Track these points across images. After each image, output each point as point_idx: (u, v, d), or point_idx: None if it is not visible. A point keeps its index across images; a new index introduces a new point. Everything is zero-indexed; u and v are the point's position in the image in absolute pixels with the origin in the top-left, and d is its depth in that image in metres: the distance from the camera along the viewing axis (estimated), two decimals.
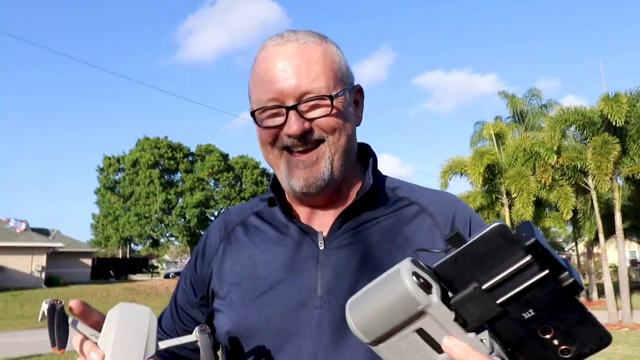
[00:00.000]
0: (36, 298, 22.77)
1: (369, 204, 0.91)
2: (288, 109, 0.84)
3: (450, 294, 0.48)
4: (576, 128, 15.20)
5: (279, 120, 0.86)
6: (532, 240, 0.42)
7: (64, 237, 33.58)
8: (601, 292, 21.06)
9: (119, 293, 24.99)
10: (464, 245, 0.45)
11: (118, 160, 37.45)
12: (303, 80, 0.84)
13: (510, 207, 16.00)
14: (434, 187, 1.02)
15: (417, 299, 0.47)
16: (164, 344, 0.71)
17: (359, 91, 0.96)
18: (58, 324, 0.64)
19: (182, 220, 36.39)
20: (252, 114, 0.89)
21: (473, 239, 0.45)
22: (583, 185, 15.48)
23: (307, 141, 0.86)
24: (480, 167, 15.01)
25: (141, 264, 46.65)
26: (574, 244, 23.87)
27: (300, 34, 0.88)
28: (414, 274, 0.48)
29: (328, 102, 0.85)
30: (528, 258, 0.42)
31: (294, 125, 0.84)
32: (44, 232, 32.05)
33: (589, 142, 14.55)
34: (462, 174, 16.34)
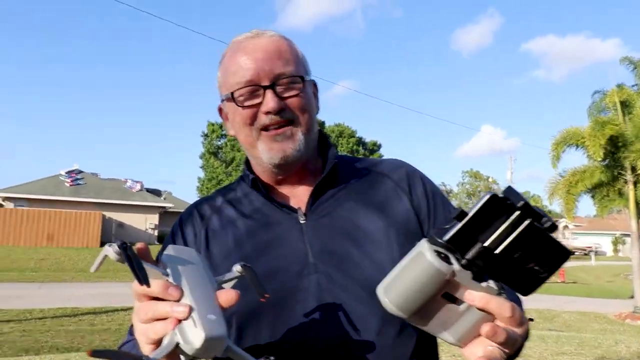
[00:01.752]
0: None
1: (335, 176, 1.02)
2: (265, 88, 0.93)
3: (461, 257, 0.59)
4: None
5: (257, 100, 0.94)
6: (522, 202, 0.54)
7: (174, 199, 36.19)
8: None
9: None
10: (467, 218, 0.56)
11: (220, 127, 39.22)
12: (276, 64, 0.95)
13: (635, 184, 14.34)
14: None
15: (444, 271, 0.57)
16: (219, 279, 0.74)
17: (314, 85, 1.06)
18: (136, 262, 0.61)
19: None
20: (232, 96, 0.96)
21: (473, 212, 0.56)
22: None
23: (282, 118, 0.94)
24: (601, 138, 13.49)
25: None
26: None
27: (268, 31, 1.00)
28: (435, 251, 0.58)
29: (299, 84, 0.96)
30: (517, 214, 0.54)
31: (270, 101, 0.93)
32: (157, 193, 34.73)
33: None
34: (577, 146, 14.88)
